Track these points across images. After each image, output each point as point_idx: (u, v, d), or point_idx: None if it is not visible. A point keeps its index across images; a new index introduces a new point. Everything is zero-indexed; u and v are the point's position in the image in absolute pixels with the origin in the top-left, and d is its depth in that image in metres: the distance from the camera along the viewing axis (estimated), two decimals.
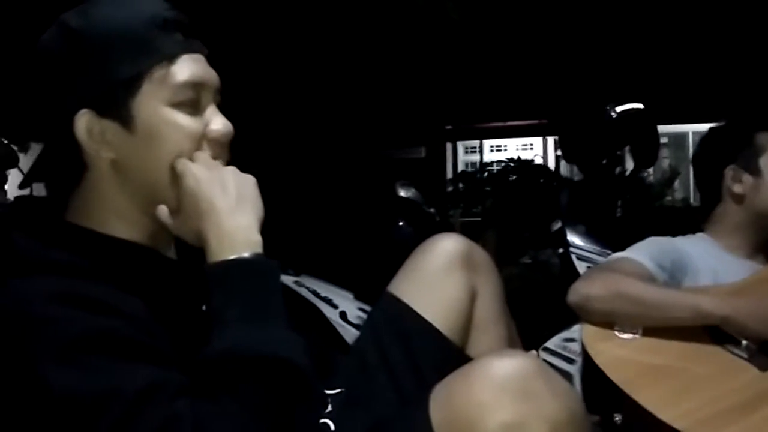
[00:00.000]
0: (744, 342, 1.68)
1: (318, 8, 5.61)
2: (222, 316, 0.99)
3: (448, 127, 10.22)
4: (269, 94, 5.86)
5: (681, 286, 1.84)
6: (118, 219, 1.10)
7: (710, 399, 1.59)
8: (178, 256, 1.18)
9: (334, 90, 6.50)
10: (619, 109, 2.84)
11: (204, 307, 1.10)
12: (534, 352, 1.56)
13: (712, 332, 1.71)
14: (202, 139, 1.09)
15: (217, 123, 1.10)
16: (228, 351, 0.96)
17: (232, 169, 1.08)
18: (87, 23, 1.05)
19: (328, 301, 2.92)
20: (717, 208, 1.99)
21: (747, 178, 1.93)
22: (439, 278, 1.46)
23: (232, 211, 1.03)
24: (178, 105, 1.06)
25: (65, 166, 1.10)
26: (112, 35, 1.04)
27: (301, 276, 3.03)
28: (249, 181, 1.08)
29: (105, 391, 0.92)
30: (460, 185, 7.42)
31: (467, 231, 6.67)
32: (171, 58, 1.06)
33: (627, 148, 3.03)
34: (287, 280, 2.94)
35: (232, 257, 1.01)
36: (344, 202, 5.47)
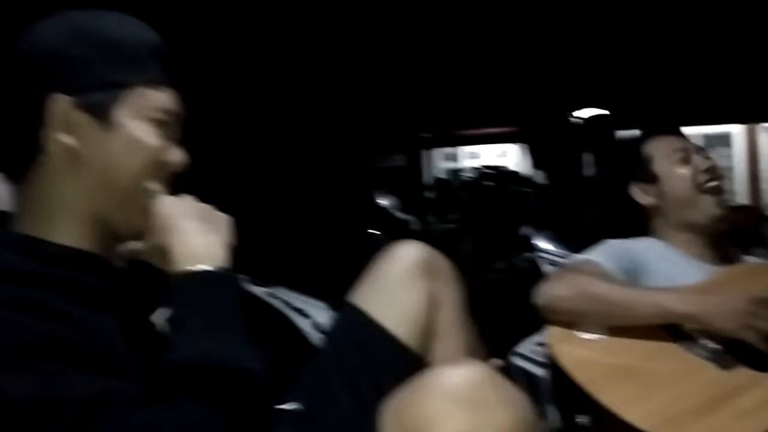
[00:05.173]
0: (704, 341, 1.69)
1: (296, 17, 5.64)
2: (184, 325, 1.00)
3: (425, 135, 10.25)
4: (249, 102, 5.86)
5: (644, 286, 1.86)
6: (69, 219, 1.10)
7: (674, 398, 1.61)
8: (130, 265, 1.18)
9: (313, 100, 6.51)
10: (582, 115, 2.87)
11: (152, 318, 1.11)
12: (497, 360, 1.55)
13: (674, 331, 1.72)
14: (159, 161, 1.13)
15: (179, 153, 1.16)
16: (189, 360, 0.96)
17: (206, 205, 1.14)
18: (93, 24, 1.12)
19: (301, 312, 2.91)
20: (649, 218, 2.02)
21: (650, 188, 1.98)
22: (400, 286, 1.46)
23: (198, 230, 1.08)
24: (150, 123, 1.12)
25: (19, 147, 1.10)
26: (113, 42, 1.11)
27: (274, 287, 3.02)
28: (222, 215, 1.13)
29: (54, 398, 0.91)
30: (434, 193, 7.46)
31: (446, 238, 6.68)
32: (155, 83, 1.13)
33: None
34: (259, 291, 2.93)
35: (196, 269, 1.04)
36: (320, 211, 5.47)
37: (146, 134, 1.11)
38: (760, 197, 9.17)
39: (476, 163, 8.72)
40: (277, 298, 2.96)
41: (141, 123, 1.11)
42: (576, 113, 2.74)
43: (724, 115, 7.46)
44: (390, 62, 6.67)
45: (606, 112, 2.77)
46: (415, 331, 1.44)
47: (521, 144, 8.33)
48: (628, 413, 1.56)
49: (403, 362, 1.40)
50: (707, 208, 1.92)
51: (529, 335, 2.72)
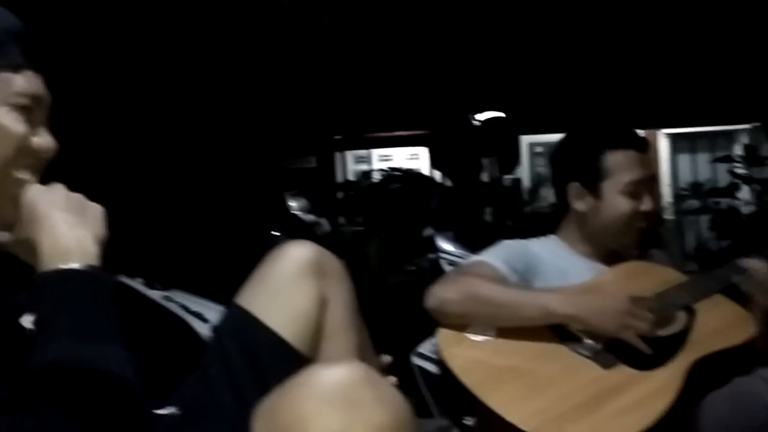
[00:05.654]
0: (587, 341, 1.73)
1: (206, 15, 5.57)
2: (50, 327, 0.96)
3: (338, 137, 10.25)
4: (152, 98, 5.74)
5: (532, 287, 1.89)
6: None
7: (556, 399, 1.64)
8: None
9: (222, 100, 6.43)
10: (481, 117, 2.90)
11: (21, 319, 1.07)
12: (386, 356, 1.55)
13: (559, 332, 1.76)
14: (27, 147, 1.09)
15: (46, 138, 1.12)
16: (55, 364, 0.93)
17: (79, 195, 1.09)
18: None
19: (198, 315, 2.87)
20: (566, 215, 2.01)
21: (589, 199, 1.93)
22: (287, 286, 1.43)
23: (69, 223, 1.03)
24: (14, 108, 1.08)
25: None
26: None
27: (170, 290, 2.96)
28: (95, 205, 1.09)
29: None
30: (341, 194, 7.47)
31: (355, 240, 6.69)
32: (17, 67, 1.09)
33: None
34: (155, 295, 2.88)
35: (64, 267, 1.00)
36: (221, 213, 5.39)
37: (11, 120, 1.07)
38: (658, 200, 9.52)
39: (387, 165, 8.78)
40: (173, 301, 2.90)
41: (4, 109, 1.07)
42: (477, 116, 2.78)
43: (625, 120, 7.70)
44: (303, 63, 6.64)
45: (503, 114, 2.82)
46: (303, 331, 1.42)
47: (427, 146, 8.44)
48: (510, 415, 1.59)
49: (289, 363, 1.36)
50: (626, 241, 1.94)
51: (432, 335, 2.74)
